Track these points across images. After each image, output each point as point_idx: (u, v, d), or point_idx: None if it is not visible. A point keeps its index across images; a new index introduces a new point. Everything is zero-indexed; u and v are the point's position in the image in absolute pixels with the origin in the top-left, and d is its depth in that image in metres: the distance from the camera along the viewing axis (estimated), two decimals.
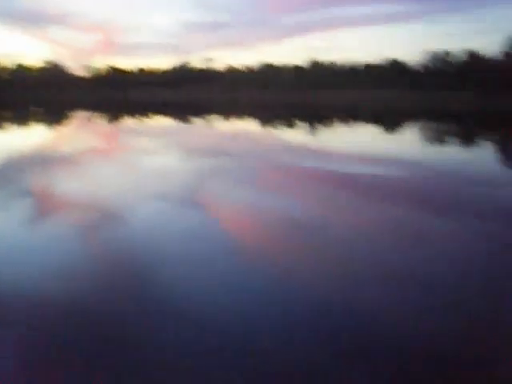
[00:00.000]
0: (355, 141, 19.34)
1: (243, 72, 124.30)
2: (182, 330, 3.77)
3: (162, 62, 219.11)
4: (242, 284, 4.63)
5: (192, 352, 3.47)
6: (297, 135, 21.62)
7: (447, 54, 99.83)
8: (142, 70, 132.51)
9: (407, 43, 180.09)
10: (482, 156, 14.88)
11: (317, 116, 39.98)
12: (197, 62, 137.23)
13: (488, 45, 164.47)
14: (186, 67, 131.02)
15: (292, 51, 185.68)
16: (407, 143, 18.77)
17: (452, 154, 15.26)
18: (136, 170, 11.38)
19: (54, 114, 42.49)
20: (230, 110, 50.68)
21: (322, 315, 4.01)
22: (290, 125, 28.79)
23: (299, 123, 30.07)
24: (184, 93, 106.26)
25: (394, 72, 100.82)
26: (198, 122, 30.84)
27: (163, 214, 7.22)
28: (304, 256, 5.40)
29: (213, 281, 4.70)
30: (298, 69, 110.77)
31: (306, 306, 4.16)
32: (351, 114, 42.54)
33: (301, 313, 4.04)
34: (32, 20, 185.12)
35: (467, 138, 22.05)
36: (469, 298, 4.36)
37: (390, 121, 34.75)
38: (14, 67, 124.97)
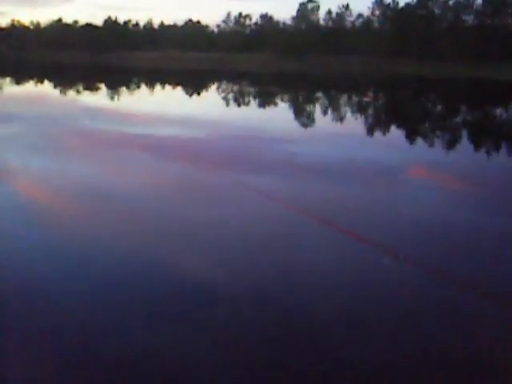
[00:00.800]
0: (156, 103, 19.05)
1: (32, 29, 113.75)
2: None
3: None
4: None
5: None
6: (95, 98, 20.53)
7: (244, 16, 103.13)
8: None
9: (204, 5, 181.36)
10: (278, 115, 15.75)
11: (117, 78, 38.48)
12: None
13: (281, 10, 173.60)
14: None
15: (85, 9, 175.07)
16: (209, 104, 19.06)
17: (250, 113, 15.89)
18: None
19: None
20: (20, 71, 46.06)
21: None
22: (89, 87, 27.20)
23: (98, 85, 28.60)
24: None
25: (193, 33, 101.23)
26: None
27: None
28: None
29: None
30: (92, 28, 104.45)
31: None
32: (153, 76, 41.80)
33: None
34: None
35: (266, 98, 23.13)
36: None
37: (191, 82, 34.89)
38: None
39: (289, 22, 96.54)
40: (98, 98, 20.80)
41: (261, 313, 3.31)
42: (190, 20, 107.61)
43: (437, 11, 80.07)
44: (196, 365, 2.71)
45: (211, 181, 6.92)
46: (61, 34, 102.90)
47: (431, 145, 10.98)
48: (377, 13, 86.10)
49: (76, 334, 2.97)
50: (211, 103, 19.49)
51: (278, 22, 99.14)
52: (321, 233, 4.92)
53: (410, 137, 12.09)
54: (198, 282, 3.74)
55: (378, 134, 12.66)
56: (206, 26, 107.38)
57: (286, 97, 24.11)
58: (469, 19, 77.77)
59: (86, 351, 2.80)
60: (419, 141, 11.63)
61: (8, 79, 32.60)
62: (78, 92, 23.76)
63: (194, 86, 30.93)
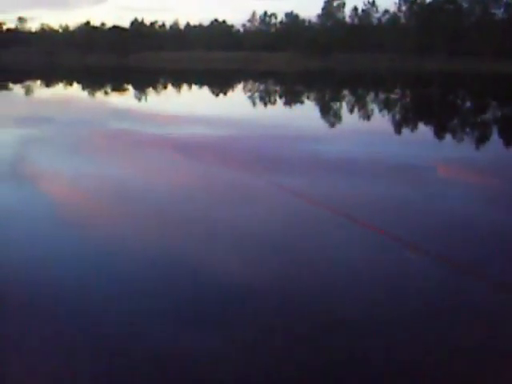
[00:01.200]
0: (183, 103, 19.20)
1: (61, 33, 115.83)
2: None
3: None
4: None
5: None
6: (124, 99, 20.79)
7: (270, 15, 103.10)
8: None
9: (229, 4, 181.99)
10: (305, 113, 15.71)
11: (144, 79, 38.90)
12: (9, 21, 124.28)
13: (307, 8, 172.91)
14: None
15: (112, 11, 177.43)
16: (236, 103, 19.14)
17: (278, 112, 15.89)
18: None
19: None
20: (50, 74, 46.97)
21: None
22: (116, 89, 27.59)
23: (126, 87, 28.98)
24: None
25: (218, 33, 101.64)
26: (16, 88, 28.06)
27: None
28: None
29: None
30: (119, 30, 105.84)
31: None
32: (179, 77, 42.13)
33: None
34: None
35: (292, 96, 23.13)
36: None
37: (217, 82, 35.05)
38: None
39: (314, 19, 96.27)
40: (126, 99, 21.07)
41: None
42: (216, 20, 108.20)
43: (465, 5, 78.82)
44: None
45: (243, 180, 6.95)
46: (89, 36, 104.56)
47: (460, 141, 10.86)
48: (403, 8, 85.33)
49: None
50: (238, 103, 19.57)
51: (303, 20, 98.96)
52: (357, 233, 4.88)
53: (439, 134, 11.97)
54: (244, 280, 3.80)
55: (405, 131, 12.57)
56: (232, 26, 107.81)
57: (311, 95, 24.08)
58: (498, 13, 76.38)
59: None
60: (448, 138, 11.51)
61: (38, 82, 33.26)
62: (106, 94, 24.12)
63: (220, 85, 31.07)
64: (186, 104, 18.87)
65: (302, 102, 20.05)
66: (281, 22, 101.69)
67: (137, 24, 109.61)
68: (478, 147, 10.28)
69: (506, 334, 3.07)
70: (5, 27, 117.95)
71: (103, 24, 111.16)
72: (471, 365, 2.75)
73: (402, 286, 3.73)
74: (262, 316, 3.23)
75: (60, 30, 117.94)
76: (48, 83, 32.44)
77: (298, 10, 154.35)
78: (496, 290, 3.73)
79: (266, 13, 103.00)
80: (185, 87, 29.67)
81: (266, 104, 19.19)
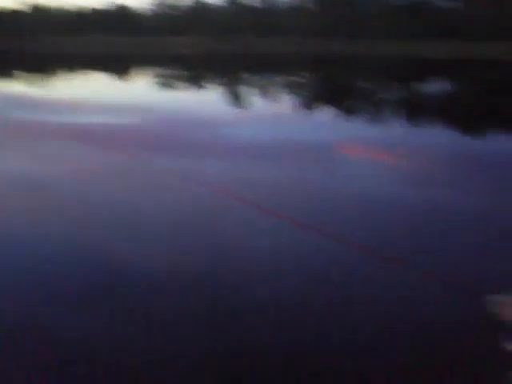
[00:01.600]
0: (86, 89, 18.19)
1: None
2: None
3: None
4: None
5: None
6: (21, 86, 19.37)
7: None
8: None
9: None
10: (210, 99, 15.31)
11: (41, 64, 36.69)
12: None
13: None
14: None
15: None
16: (139, 90, 18.38)
17: (182, 99, 15.37)
18: None
19: None
20: None
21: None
22: (11, 75, 25.68)
23: (22, 74, 27.08)
24: None
25: (122, 17, 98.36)
26: None
27: None
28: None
29: None
30: (19, 13, 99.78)
31: None
32: (81, 62, 40.13)
33: None
34: None
35: (196, 81, 22.58)
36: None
37: (119, 67, 33.76)
38: None
39: (221, 3, 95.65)
40: (20, 86, 19.62)
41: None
42: (114, 3, 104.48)
43: None
44: None
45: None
46: None
47: (359, 121, 10.91)
48: None
49: None
50: (142, 89, 18.82)
51: (210, 4, 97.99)
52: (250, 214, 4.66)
53: (339, 115, 11.99)
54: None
55: (307, 114, 12.48)
56: (134, 10, 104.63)
57: (216, 80, 23.66)
58: None
59: None
60: (348, 118, 11.53)
61: None
62: None
63: (123, 71, 29.89)
64: (88, 91, 17.83)
65: (204, 87, 19.58)
66: (186, 6, 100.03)
67: (37, 7, 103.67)
68: (377, 126, 10.34)
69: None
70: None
71: (3, 8, 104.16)
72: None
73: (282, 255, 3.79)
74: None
75: None
76: None
77: None
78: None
79: None
80: (84, 74, 28.19)
81: (168, 89, 18.55)
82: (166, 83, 20.94)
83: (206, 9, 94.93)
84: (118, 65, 37.60)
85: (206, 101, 14.77)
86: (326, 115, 12.08)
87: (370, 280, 3.48)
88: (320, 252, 3.94)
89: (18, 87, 19.25)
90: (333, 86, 21.36)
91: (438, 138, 9.16)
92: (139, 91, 17.81)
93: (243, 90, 18.63)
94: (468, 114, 13.07)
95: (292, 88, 19.11)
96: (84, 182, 6.08)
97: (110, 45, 74.21)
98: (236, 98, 15.50)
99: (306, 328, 2.92)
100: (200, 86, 19.93)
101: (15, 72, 28.25)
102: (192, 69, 32.15)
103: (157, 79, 22.88)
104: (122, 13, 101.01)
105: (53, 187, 5.82)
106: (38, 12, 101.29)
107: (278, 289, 3.36)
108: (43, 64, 38.36)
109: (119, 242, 4.20)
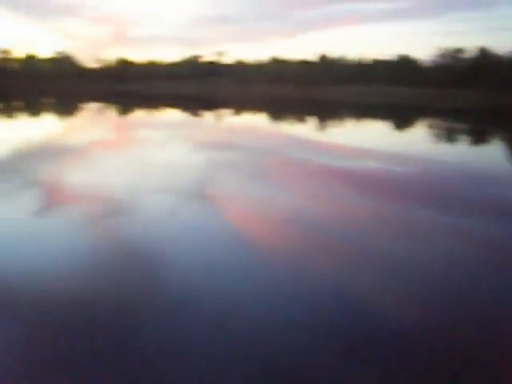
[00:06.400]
0: (364, 137, 19.31)
1: (253, 66, 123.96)
2: (185, 322, 3.87)
3: (173, 54, 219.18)
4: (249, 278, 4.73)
5: (200, 348, 3.57)
6: (306, 130, 21.60)
7: (458, 50, 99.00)
8: (152, 63, 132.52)
9: (418, 40, 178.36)
10: (492, 154, 14.80)
11: (326, 111, 39.88)
12: (208, 55, 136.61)
13: (499, 42, 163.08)
14: (196, 60, 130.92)
15: (302, 46, 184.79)
16: (417, 140, 18.71)
17: (461, 152, 15.21)
18: (144, 161, 11.48)
19: (64, 105, 42.68)
20: (240, 103, 50.63)
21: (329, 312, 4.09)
22: (300, 120, 28.76)
23: (308, 118, 30.04)
24: (195, 86, 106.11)
25: (404, 68, 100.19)
26: (208, 116, 30.90)
27: (169, 207, 7.30)
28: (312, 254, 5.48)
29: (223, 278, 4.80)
30: (307, 64, 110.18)
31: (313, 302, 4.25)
32: (361, 110, 42.38)
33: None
34: (43, 10, 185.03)
35: (478, 135, 21.94)
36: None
37: (399, 117, 34.61)
38: (25, 58, 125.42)
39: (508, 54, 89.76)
40: (310, 129, 21.88)
41: None
42: (402, 55, 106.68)
43: None
44: None
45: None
46: (278, 69, 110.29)
47: None
48: None
49: None
50: (422, 139, 19.12)
51: (495, 55, 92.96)
52: None
53: None
54: None
55: None
56: (419, 61, 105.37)
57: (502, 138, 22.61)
58: None
59: None
60: None
61: (228, 111, 36.15)
62: (289, 124, 25.33)
63: (400, 120, 30.65)
64: (370, 138, 18.97)
65: (487, 144, 18.92)
66: (469, 58, 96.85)
67: (323, 58, 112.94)
68: None
69: None
70: (205, 60, 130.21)
71: (292, 58, 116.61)
72: None
73: None
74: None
75: (252, 63, 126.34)
76: (238, 112, 35.20)
77: (488, 46, 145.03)
78: None
79: (452, 48, 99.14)
80: (369, 121, 29.79)
81: (447, 141, 18.47)
82: (447, 135, 20.83)
83: (492, 60, 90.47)
84: (395, 114, 38.59)
85: (487, 157, 14.32)
86: None
87: None
88: None
89: (305, 131, 21.45)
90: None
91: None
92: (417, 141, 18.08)
93: None
94: None
95: None
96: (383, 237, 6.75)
97: (392, 95, 76.23)
98: None
99: None
100: (481, 142, 19.36)
101: (307, 117, 31.36)
102: (475, 123, 31.17)
103: (437, 130, 22.92)
104: (405, 63, 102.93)
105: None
106: (325, 62, 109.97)
107: None
108: (322, 109, 41.66)
109: None
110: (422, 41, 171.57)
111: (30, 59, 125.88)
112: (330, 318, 3.94)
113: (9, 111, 33.16)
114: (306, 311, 4.05)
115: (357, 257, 5.34)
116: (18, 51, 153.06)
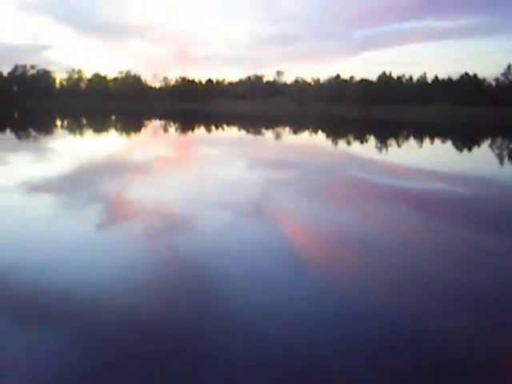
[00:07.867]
0: (425, 157, 18.91)
1: (313, 85, 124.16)
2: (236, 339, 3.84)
3: (234, 73, 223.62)
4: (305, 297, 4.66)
5: (247, 364, 3.53)
6: (366, 150, 21.35)
7: None
8: (213, 82, 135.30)
9: (483, 58, 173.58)
10: None
11: (386, 131, 39.32)
12: (268, 74, 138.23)
13: None
14: (257, 80, 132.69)
15: (363, 64, 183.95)
16: (481, 161, 18.13)
17: None
18: (206, 178, 11.64)
19: (130, 123, 44.20)
20: (299, 122, 50.78)
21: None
22: (359, 139, 28.47)
23: (368, 138, 29.70)
24: (255, 105, 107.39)
25: (469, 87, 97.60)
26: (267, 134, 31.15)
27: (227, 223, 7.33)
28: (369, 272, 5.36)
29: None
30: (369, 83, 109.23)
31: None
32: (421, 130, 41.53)
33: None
34: (111, 32, 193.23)
35: None
36: None
37: (464, 137, 33.69)
38: (93, 77, 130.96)
39: None
40: (370, 148, 21.62)
41: None
42: (467, 74, 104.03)
43: None
44: None
45: None
46: (337, 88, 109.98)
47: None
48: None
49: None
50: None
51: None
52: None
53: None
54: None
55: None
56: (483, 80, 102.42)
57: None
58: None
59: None
60: None
61: (287, 129, 36.33)
62: (348, 143, 25.13)
63: (467, 141, 29.80)
64: (421, 159, 18.53)
65: None
66: None
67: (384, 77, 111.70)
68: None
69: None
70: (265, 80, 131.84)
71: (352, 77, 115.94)
72: None
73: None
74: None
75: (312, 83, 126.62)
76: (295, 131, 35.37)
77: None
78: None
79: None
80: (430, 141, 29.12)
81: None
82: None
83: None
84: (460, 134, 37.57)
85: None
86: None
87: None
88: None
89: (366, 150, 21.20)
90: None
91: None
92: (482, 162, 17.52)
93: None
94: None
95: None
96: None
97: (456, 114, 74.46)
98: None
99: None
100: None
101: (367, 136, 31.03)
102: None
103: (502, 151, 22.10)
104: (470, 82, 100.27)
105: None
106: (387, 81, 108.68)
107: None
108: (384, 129, 41.08)
109: None
110: (487, 59, 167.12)
111: (98, 78, 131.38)
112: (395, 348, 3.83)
113: (80, 128, 34.70)
114: (372, 340, 3.95)
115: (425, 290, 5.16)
116: (87, 71, 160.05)
